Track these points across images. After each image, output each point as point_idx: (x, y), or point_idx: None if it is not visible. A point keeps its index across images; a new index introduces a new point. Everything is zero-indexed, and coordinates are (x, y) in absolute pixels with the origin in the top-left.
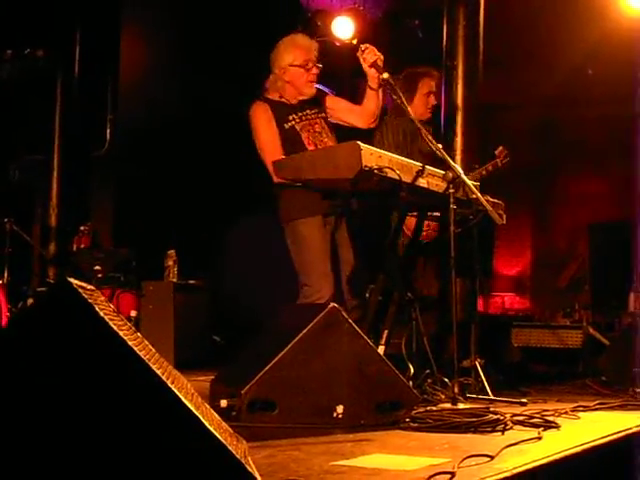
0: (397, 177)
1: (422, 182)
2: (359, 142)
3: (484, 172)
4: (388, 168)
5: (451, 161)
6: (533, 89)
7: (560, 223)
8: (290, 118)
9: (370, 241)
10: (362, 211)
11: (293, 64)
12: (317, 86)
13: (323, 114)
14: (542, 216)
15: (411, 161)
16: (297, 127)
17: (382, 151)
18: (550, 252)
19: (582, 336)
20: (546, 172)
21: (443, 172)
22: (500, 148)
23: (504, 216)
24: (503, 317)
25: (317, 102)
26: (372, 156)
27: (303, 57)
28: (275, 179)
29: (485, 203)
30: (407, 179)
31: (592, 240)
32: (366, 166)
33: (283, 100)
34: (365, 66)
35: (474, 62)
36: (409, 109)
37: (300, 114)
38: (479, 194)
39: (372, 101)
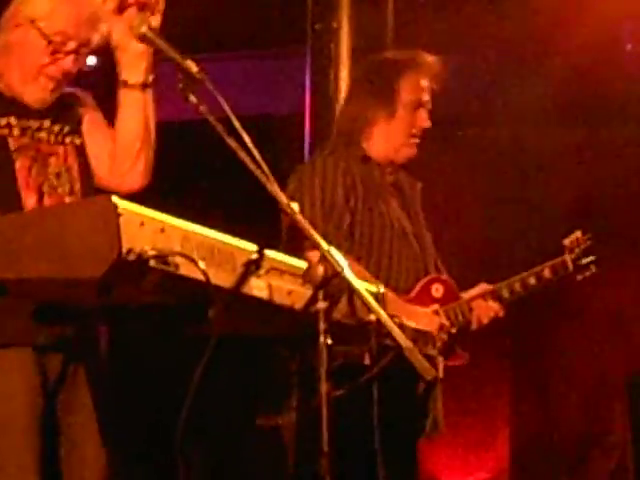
0: (201, 276)
1: (258, 288)
2: (115, 197)
3: (534, 281)
4: (181, 255)
5: (322, 241)
6: None
7: (568, 373)
8: (3, 122)
9: (150, 410)
10: (129, 346)
11: (37, 23)
12: (70, 90)
13: (77, 138)
14: (531, 359)
15: (237, 242)
16: (10, 144)
17: (170, 219)
18: (550, 435)
19: None
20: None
21: (306, 267)
22: (577, 235)
23: (441, 361)
24: None
25: (71, 114)
26: (145, 228)
27: (64, 22)
28: None
29: (397, 333)
30: (225, 280)
31: (637, 407)
32: (131, 251)
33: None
34: (118, 32)
35: (375, 25)
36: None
37: (26, 122)
38: (383, 313)
39: (132, 118)
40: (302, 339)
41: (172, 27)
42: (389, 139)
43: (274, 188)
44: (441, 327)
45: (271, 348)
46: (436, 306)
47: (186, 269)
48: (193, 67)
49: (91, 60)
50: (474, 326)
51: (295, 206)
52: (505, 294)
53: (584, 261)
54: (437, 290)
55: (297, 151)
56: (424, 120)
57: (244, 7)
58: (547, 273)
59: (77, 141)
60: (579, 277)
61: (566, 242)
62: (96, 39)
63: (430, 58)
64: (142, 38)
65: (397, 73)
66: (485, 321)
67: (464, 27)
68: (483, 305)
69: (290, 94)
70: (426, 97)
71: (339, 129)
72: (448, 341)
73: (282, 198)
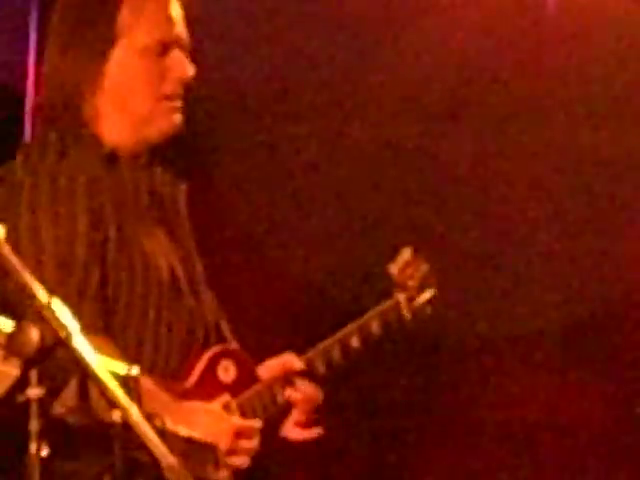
0: None
1: None
2: None
3: (358, 342)
4: None
5: (38, 288)
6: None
7: None
8: None
9: None
10: None
11: None
12: None
13: None
14: None
15: None
16: None
17: None
18: None
19: None
20: None
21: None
22: (406, 256)
23: None
24: None
25: None
26: None
27: None
28: None
29: (156, 443)
30: None
31: None
32: None
33: None
34: None
35: None
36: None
37: None
38: (135, 410)
39: None
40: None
41: None
42: (123, 115)
43: None
44: (237, 433)
45: None
46: (226, 397)
47: None
48: None
49: None
50: (290, 432)
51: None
52: (320, 367)
53: (421, 300)
54: (226, 370)
55: (13, 140)
56: (182, 67)
57: None
58: (376, 327)
59: None
60: (411, 326)
61: (393, 270)
62: None
63: None
64: None
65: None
66: (300, 419)
67: None
68: (294, 391)
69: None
70: (177, 29)
71: (48, 106)
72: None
73: None
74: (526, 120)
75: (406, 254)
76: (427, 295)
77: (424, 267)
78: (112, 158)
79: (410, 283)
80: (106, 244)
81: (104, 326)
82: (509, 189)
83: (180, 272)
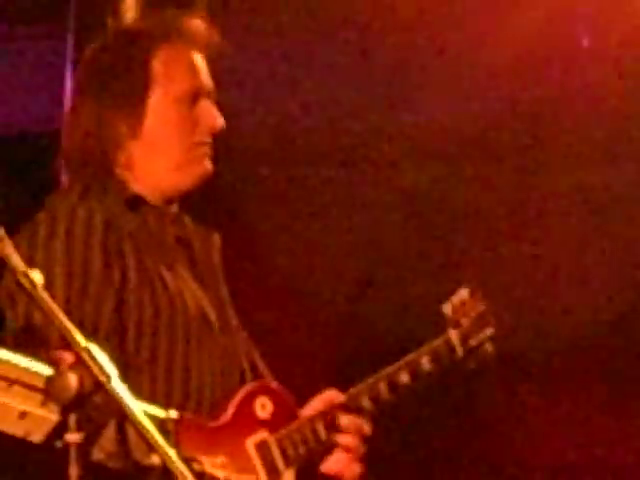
0: None
1: None
2: None
3: (407, 378)
4: None
5: (78, 334)
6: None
7: None
8: None
9: None
10: None
11: None
12: None
13: None
14: None
15: None
16: None
17: None
18: None
19: None
20: None
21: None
22: (463, 296)
23: None
24: None
25: None
26: None
27: None
28: None
29: None
30: None
31: None
32: None
33: None
34: None
35: None
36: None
37: None
38: (174, 454)
39: None
40: None
41: None
42: (158, 162)
43: (5, 247)
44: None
45: None
46: (264, 433)
47: None
48: None
49: None
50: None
51: (38, 277)
52: (365, 403)
53: (476, 339)
54: (263, 407)
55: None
56: (212, 117)
57: None
58: (426, 363)
59: None
60: (471, 365)
61: (447, 309)
62: None
63: (197, 21)
64: None
65: (147, 51)
66: (347, 453)
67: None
68: (337, 424)
69: (40, 96)
70: (205, 81)
71: (79, 155)
72: None
73: (18, 262)
74: (546, 160)
75: (463, 294)
76: (485, 334)
77: (480, 306)
78: (135, 202)
79: (464, 321)
80: (125, 282)
81: (127, 364)
82: (536, 219)
83: (211, 313)
